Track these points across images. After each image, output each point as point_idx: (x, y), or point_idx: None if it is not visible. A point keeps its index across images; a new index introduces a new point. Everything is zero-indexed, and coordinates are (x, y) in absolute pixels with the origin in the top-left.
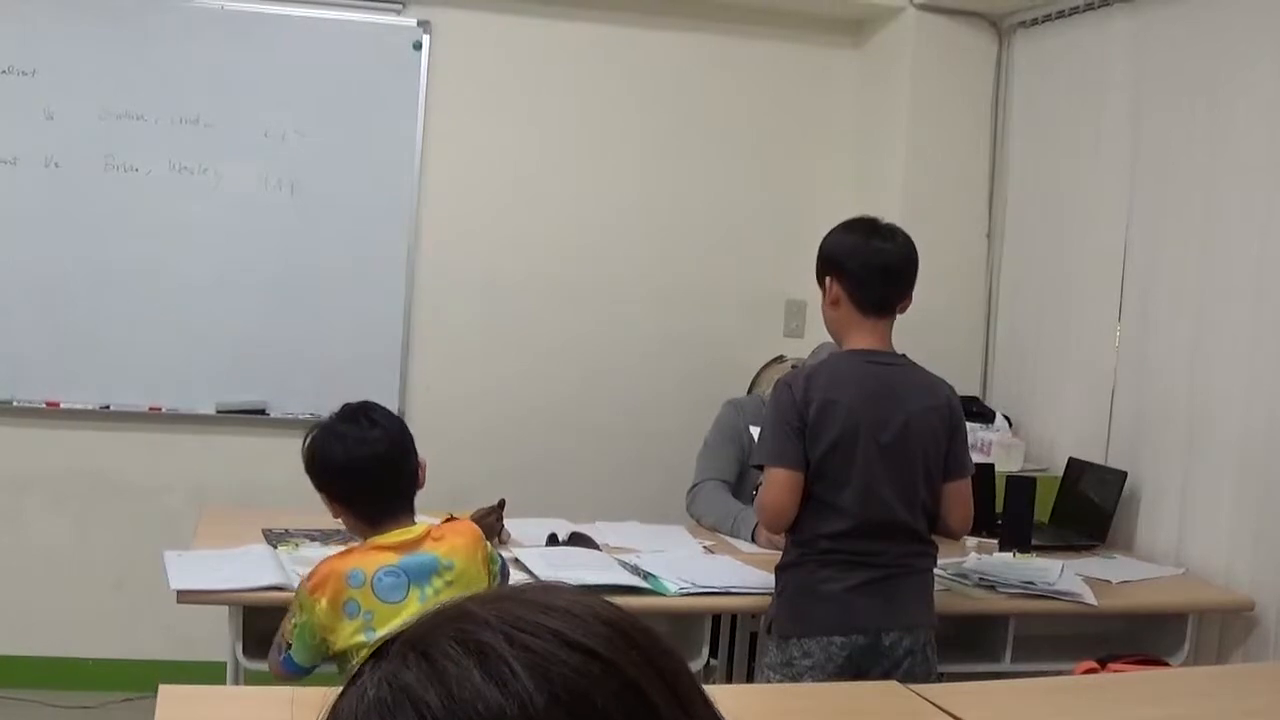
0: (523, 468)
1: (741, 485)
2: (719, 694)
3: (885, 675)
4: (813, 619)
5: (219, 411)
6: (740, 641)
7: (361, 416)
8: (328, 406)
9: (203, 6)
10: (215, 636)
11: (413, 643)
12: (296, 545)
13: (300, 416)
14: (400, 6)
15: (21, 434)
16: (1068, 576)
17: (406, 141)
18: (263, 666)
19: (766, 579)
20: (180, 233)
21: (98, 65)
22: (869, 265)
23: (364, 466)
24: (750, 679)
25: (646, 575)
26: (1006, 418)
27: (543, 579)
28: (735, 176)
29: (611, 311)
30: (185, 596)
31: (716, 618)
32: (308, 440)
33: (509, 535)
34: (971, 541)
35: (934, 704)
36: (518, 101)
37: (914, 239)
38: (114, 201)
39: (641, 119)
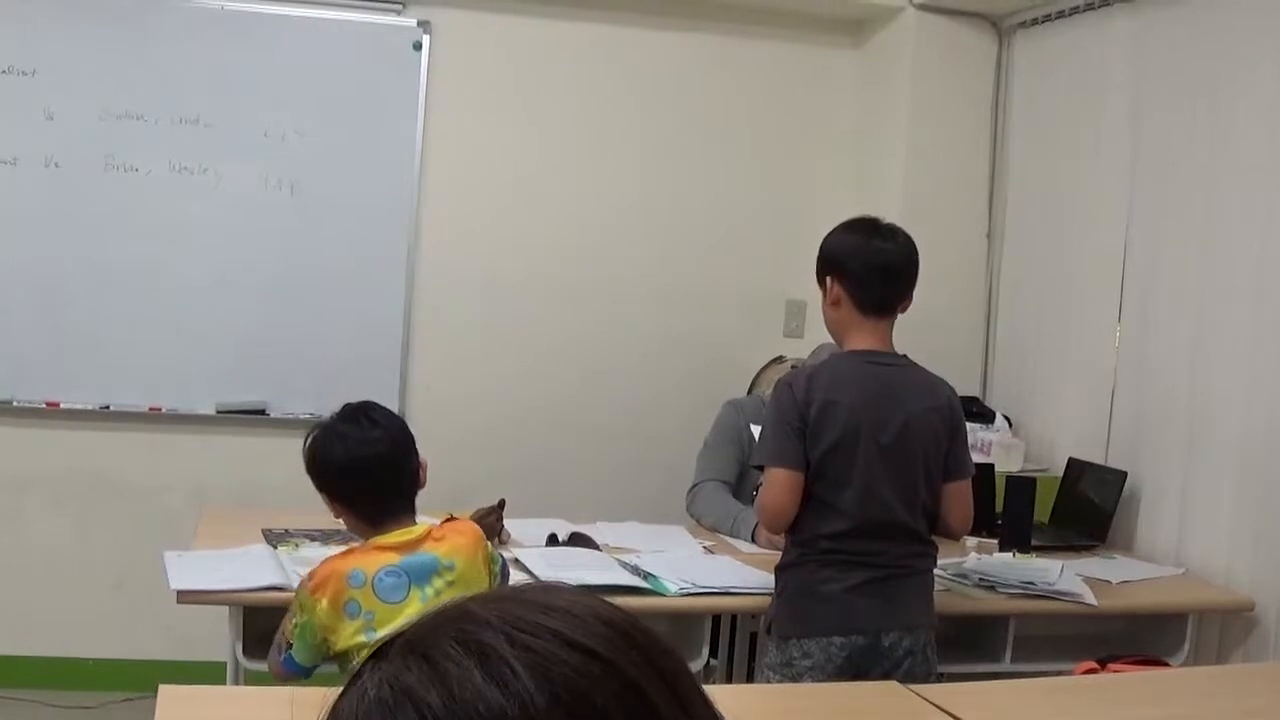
0: (523, 468)
1: (741, 485)
2: (719, 694)
3: (885, 676)
4: (813, 619)
5: (219, 411)
6: (740, 642)
7: (362, 416)
8: (328, 407)
9: (203, 6)
10: (215, 636)
11: (413, 643)
12: (296, 545)
13: (300, 417)
14: (400, 6)
15: (21, 434)
16: (1068, 577)
17: (406, 141)
18: (263, 666)
19: (766, 579)
20: (180, 233)
21: (98, 65)
22: (870, 265)
23: (365, 466)
24: (750, 679)
25: (646, 575)
26: (1006, 418)
27: (543, 579)
28: (735, 176)
29: (611, 311)
30: (185, 596)
31: (716, 618)
32: (309, 440)
33: (509, 535)
34: (971, 542)
35: (934, 704)
36: (518, 101)
37: (914, 239)
38: (114, 201)
39: (641, 119)
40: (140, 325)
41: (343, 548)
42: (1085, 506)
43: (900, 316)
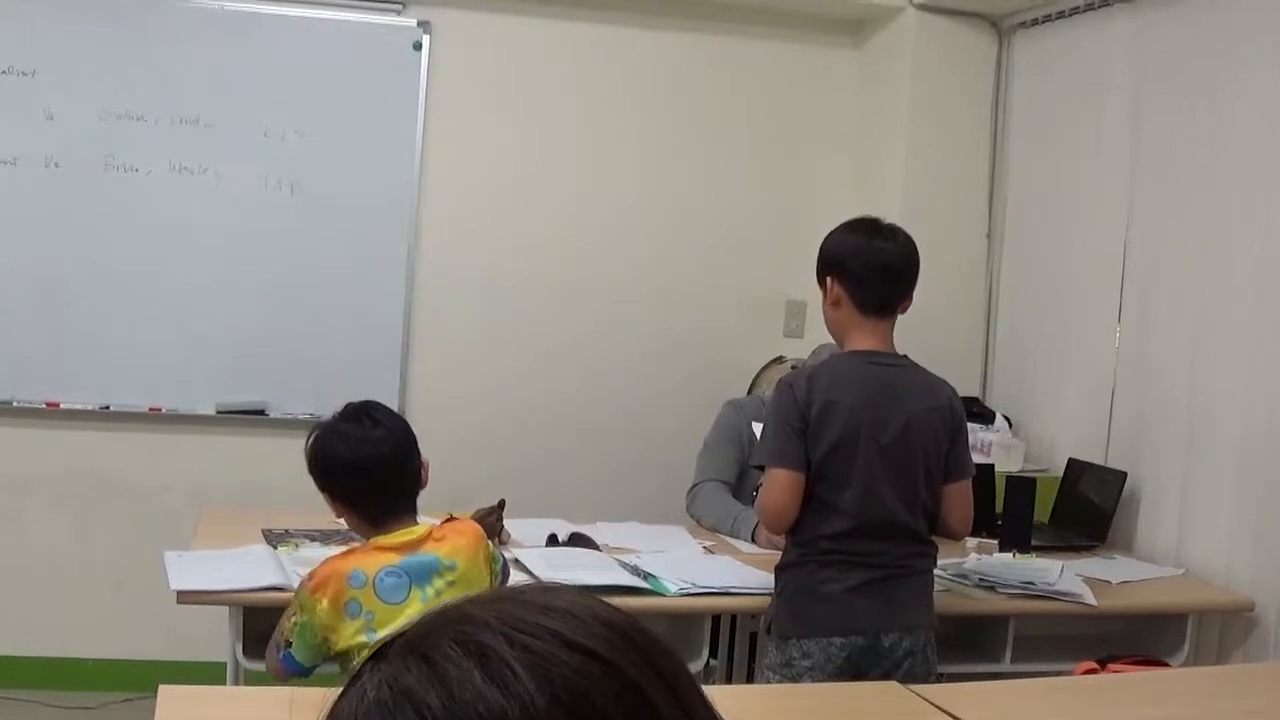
0: (523, 468)
1: (741, 486)
2: (719, 694)
3: (885, 676)
4: (812, 620)
5: (219, 412)
6: (740, 642)
7: (364, 416)
8: (328, 407)
9: (202, 6)
10: (215, 636)
11: (413, 644)
12: (296, 545)
13: (300, 417)
14: (400, 7)
15: (21, 434)
16: (1068, 577)
17: (406, 141)
18: (263, 667)
19: (766, 579)
20: (180, 233)
21: (98, 65)
22: (870, 265)
23: (367, 466)
24: (750, 679)
25: (646, 575)
26: (1006, 418)
27: (543, 579)
28: (735, 176)
29: (611, 311)
30: (185, 597)
31: (716, 618)
32: (310, 440)
33: (509, 535)
34: (971, 542)
35: (934, 704)
36: (518, 101)
37: (914, 239)
38: (114, 201)
39: (641, 119)
40: (140, 325)
41: (343, 548)
42: (1085, 507)
43: (900, 316)
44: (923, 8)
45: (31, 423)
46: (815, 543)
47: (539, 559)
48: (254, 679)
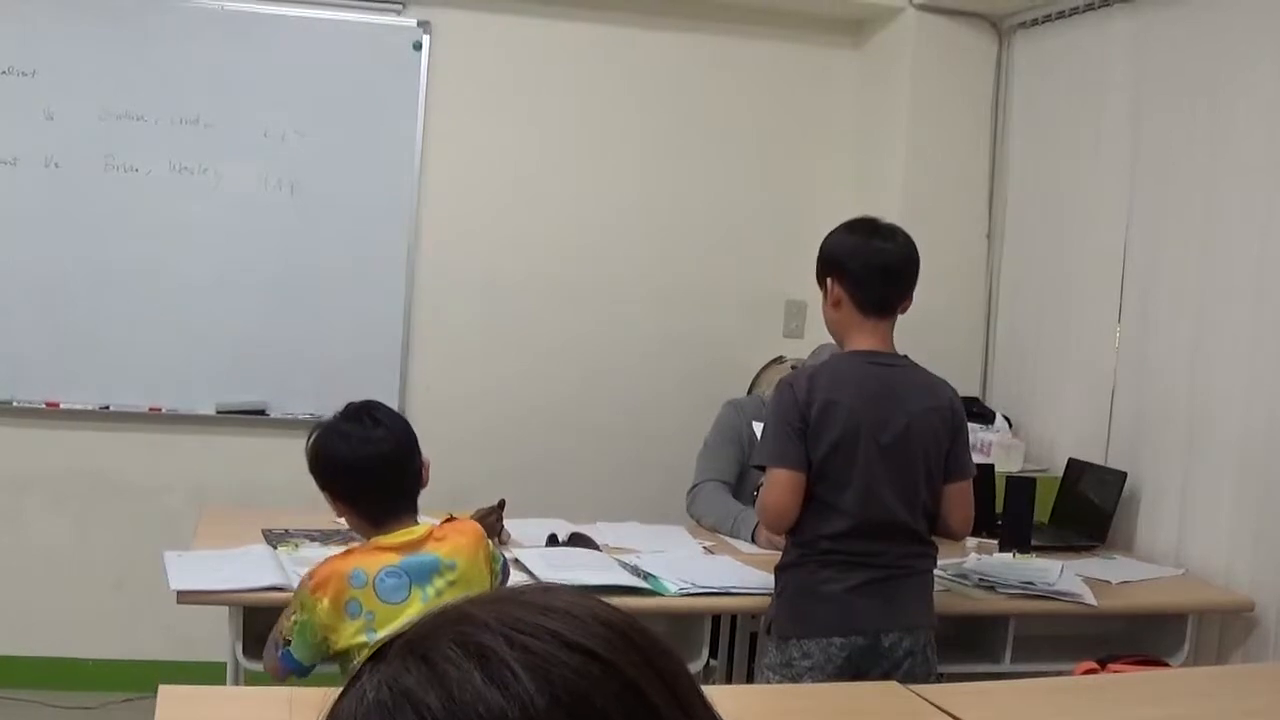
0: (523, 468)
1: (742, 486)
2: (718, 694)
3: (885, 676)
4: (812, 620)
5: (219, 412)
6: (740, 642)
7: (365, 416)
8: (328, 407)
9: (202, 6)
10: (215, 636)
11: (412, 645)
12: (296, 545)
13: (300, 417)
14: (400, 7)
15: (21, 434)
16: (1068, 577)
17: (406, 141)
18: (262, 667)
19: (766, 579)
20: (180, 233)
21: (98, 65)
22: (870, 266)
23: (368, 466)
24: (750, 679)
25: (646, 576)
26: (1006, 418)
27: (543, 579)
28: (735, 176)
29: (611, 311)
30: (185, 597)
31: (716, 618)
32: (311, 439)
33: (509, 535)
34: (971, 542)
35: (934, 704)
36: (518, 101)
37: (914, 239)
38: (114, 201)
39: (641, 119)
40: (140, 325)
41: (342, 548)
42: (1085, 507)
43: (900, 316)
44: (923, 8)
45: (31, 423)
46: (815, 543)
47: (539, 559)
48: (254, 679)
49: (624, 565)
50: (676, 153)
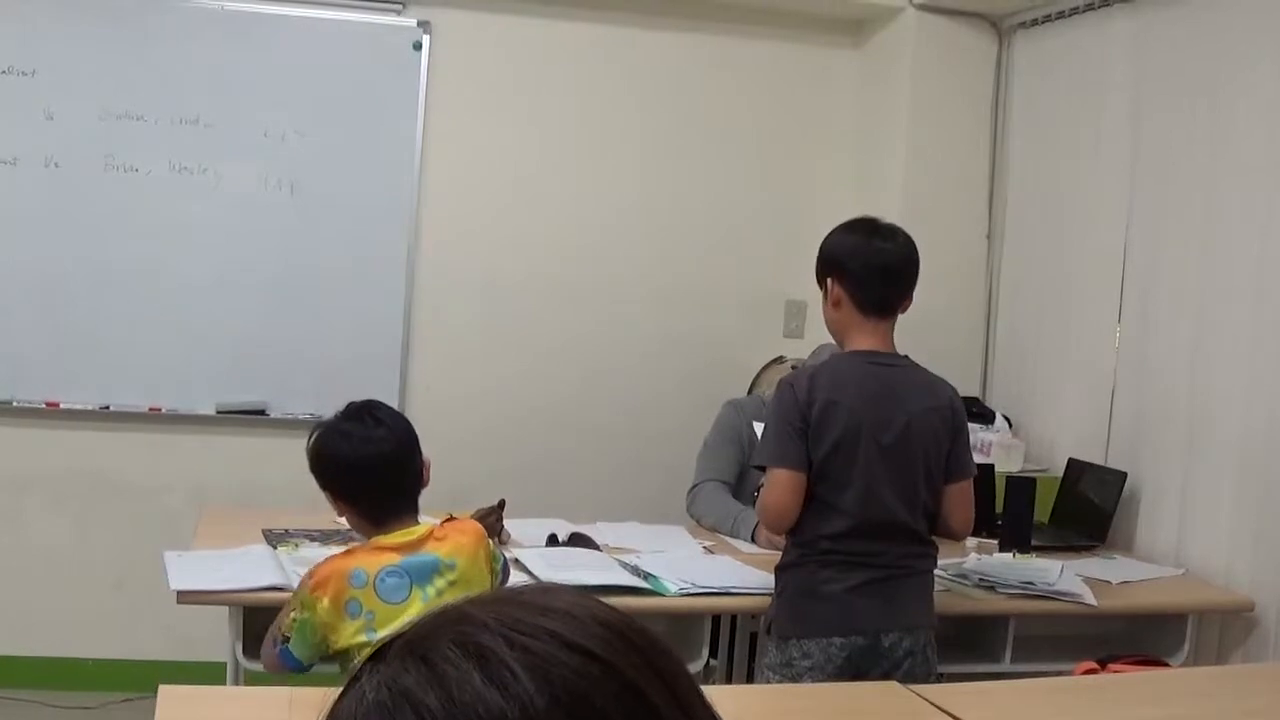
0: (523, 468)
1: (742, 486)
2: (718, 694)
3: (885, 676)
4: (813, 620)
5: (219, 412)
6: (740, 642)
7: (366, 415)
8: (328, 406)
9: (202, 6)
10: (215, 636)
11: (412, 646)
12: (296, 545)
13: (300, 417)
14: (400, 7)
15: (21, 434)
16: (1068, 577)
17: (406, 141)
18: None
19: (766, 579)
20: (180, 233)
21: (98, 65)
22: (870, 266)
23: (369, 465)
24: (750, 679)
25: (646, 576)
26: (1006, 418)
27: (543, 579)
28: (735, 176)
29: (611, 311)
30: (185, 597)
31: (716, 618)
32: (312, 439)
33: (509, 535)
34: (971, 542)
35: (934, 704)
36: (518, 101)
37: (914, 239)
38: (114, 201)
39: (641, 119)
40: (140, 325)
41: (342, 548)
42: (1085, 507)
43: (900, 316)
44: (923, 8)
45: (31, 423)
46: (815, 543)
47: (539, 559)
48: (254, 679)
49: (624, 565)
50: (676, 153)
